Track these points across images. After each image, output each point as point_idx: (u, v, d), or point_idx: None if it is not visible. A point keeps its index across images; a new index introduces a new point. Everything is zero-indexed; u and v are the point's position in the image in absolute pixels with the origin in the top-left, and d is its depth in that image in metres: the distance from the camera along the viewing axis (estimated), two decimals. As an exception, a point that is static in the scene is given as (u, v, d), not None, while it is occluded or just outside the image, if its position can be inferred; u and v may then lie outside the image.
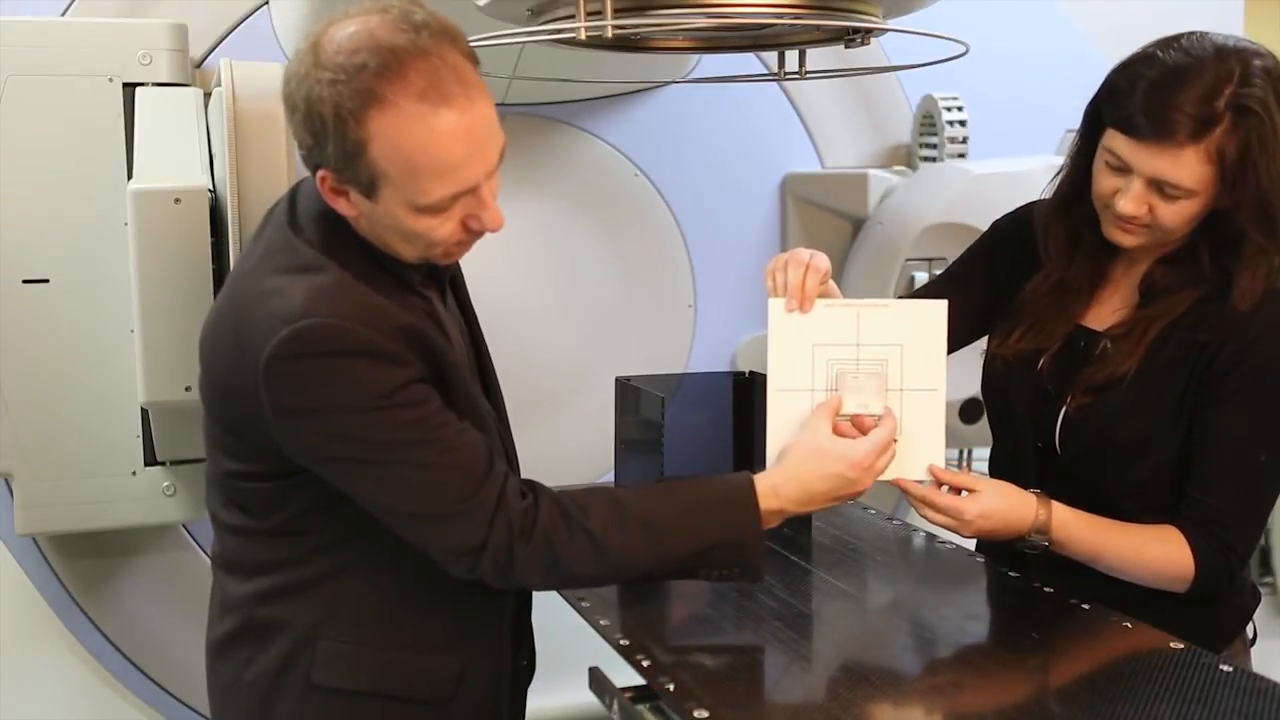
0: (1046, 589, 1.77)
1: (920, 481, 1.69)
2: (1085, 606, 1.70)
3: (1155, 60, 1.62)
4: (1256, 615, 1.86)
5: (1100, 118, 1.69)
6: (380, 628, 1.55)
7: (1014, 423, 1.86)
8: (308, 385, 1.41)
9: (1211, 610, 1.75)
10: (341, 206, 1.45)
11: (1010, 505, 1.67)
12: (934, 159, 3.08)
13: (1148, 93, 1.59)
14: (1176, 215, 1.63)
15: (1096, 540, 1.69)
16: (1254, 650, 1.86)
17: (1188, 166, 1.58)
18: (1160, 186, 1.61)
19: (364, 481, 1.46)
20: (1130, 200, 1.64)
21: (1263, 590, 4.46)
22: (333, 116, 1.36)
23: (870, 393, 1.67)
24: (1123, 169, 1.64)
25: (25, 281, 2.32)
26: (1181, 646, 1.57)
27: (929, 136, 3.12)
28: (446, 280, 1.65)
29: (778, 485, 1.56)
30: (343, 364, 1.40)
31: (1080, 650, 1.58)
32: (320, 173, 1.42)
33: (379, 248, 1.49)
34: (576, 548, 1.47)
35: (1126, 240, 1.70)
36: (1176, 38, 1.66)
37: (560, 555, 1.47)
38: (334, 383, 1.41)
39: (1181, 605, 1.70)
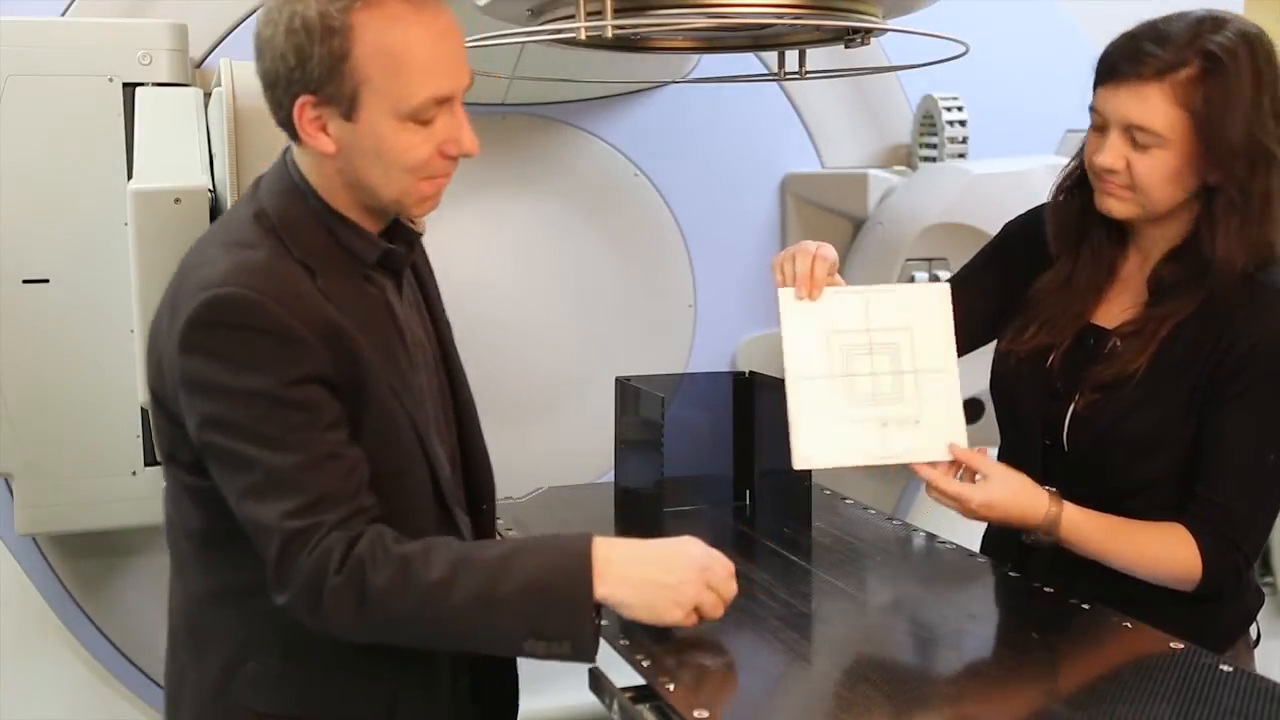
0: (1046, 589, 1.77)
1: (935, 464, 1.71)
2: (1085, 606, 1.70)
3: (1140, 23, 1.66)
4: (1259, 616, 1.86)
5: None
6: (307, 649, 1.48)
7: (1022, 420, 1.85)
8: (211, 357, 1.40)
9: (1215, 610, 1.74)
10: (321, 144, 1.44)
11: (1017, 498, 1.68)
12: (934, 159, 3.08)
13: (1123, 40, 1.64)
14: (1152, 170, 1.63)
15: (1105, 540, 1.69)
16: (1256, 651, 1.86)
17: (1154, 106, 1.59)
18: (1133, 135, 1.62)
19: (224, 467, 1.41)
20: (1107, 151, 1.65)
21: (1264, 590, 4.43)
22: (318, 23, 1.39)
23: (884, 375, 1.68)
24: (1103, 126, 1.66)
25: (25, 281, 2.32)
26: (1181, 646, 1.57)
27: (929, 136, 3.12)
28: (405, 267, 1.62)
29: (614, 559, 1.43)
30: (248, 339, 1.39)
31: (1080, 650, 1.58)
32: (300, 101, 1.42)
33: (343, 216, 1.49)
34: (387, 576, 1.37)
35: (1114, 207, 1.70)
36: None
37: (370, 586, 1.37)
38: (234, 359, 1.39)
39: (1184, 605, 1.70)
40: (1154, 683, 1.46)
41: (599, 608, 1.42)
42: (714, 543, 2.05)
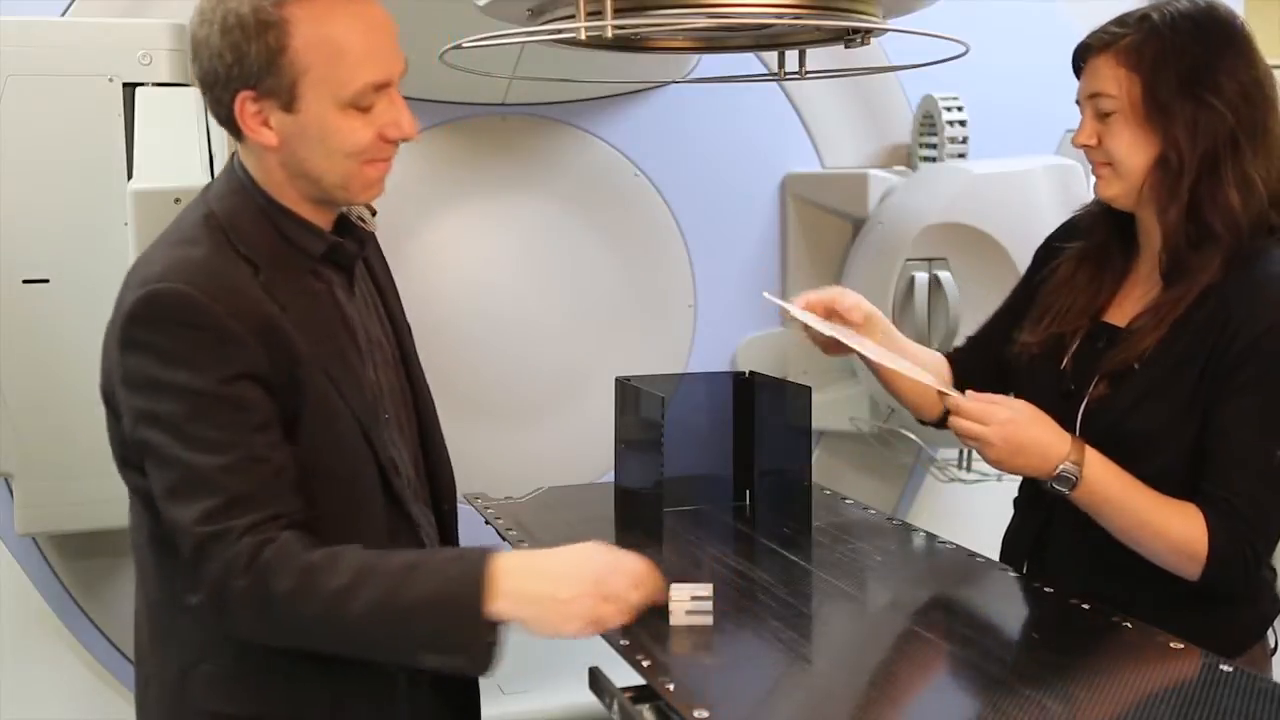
0: (1046, 589, 1.77)
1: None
2: (1085, 606, 1.70)
3: None
4: (1277, 623, 1.84)
5: None
6: (260, 649, 1.47)
7: None
8: (145, 352, 1.42)
9: (1230, 613, 1.74)
10: (263, 137, 1.47)
11: (1038, 422, 1.69)
12: (934, 159, 3.08)
13: (1093, 31, 1.76)
14: (1117, 137, 1.71)
15: (1122, 490, 1.68)
16: (1276, 659, 1.84)
17: (1105, 73, 1.71)
18: (1097, 106, 1.73)
19: (151, 464, 1.43)
20: (1080, 130, 1.76)
21: None
22: (253, 19, 1.42)
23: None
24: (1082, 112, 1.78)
25: (25, 282, 2.32)
26: (1181, 646, 1.57)
27: (929, 136, 3.12)
28: (354, 263, 1.63)
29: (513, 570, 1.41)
30: (181, 334, 1.41)
31: (1080, 650, 1.58)
32: (240, 97, 1.45)
33: (289, 211, 1.52)
34: (290, 583, 1.37)
35: (1101, 187, 1.77)
36: None
37: (273, 592, 1.37)
38: (167, 354, 1.41)
39: (1197, 610, 1.69)
40: (1154, 683, 1.46)
41: (496, 623, 1.39)
42: (714, 543, 2.07)
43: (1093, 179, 1.82)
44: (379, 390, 1.60)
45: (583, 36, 1.81)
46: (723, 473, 2.26)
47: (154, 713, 1.59)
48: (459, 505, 1.80)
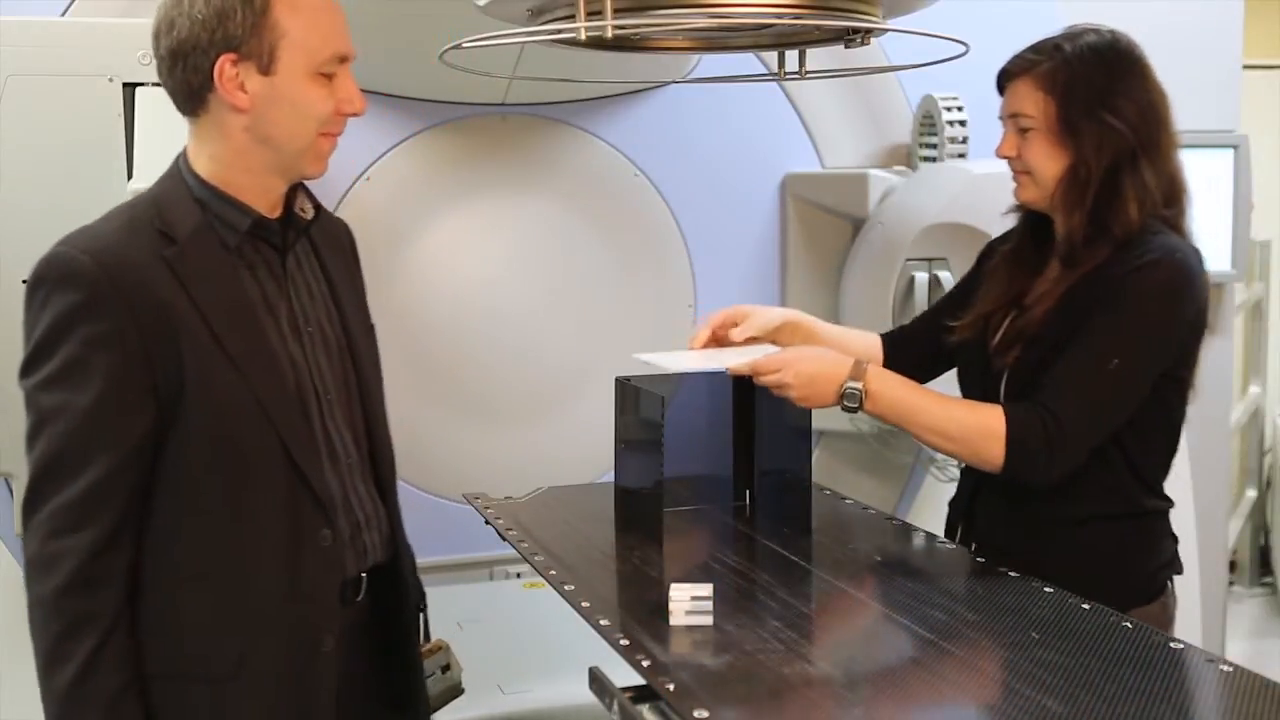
0: (1047, 588, 1.77)
1: None
2: (1085, 606, 1.70)
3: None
4: (1255, 615, 1.86)
5: None
6: (160, 613, 1.58)
7: (970, 390, 2.07)
8: (40, 309, 1.54)
9: (1136, 560, 1.92)
10: (237, 100, 1.58)
11: (819, 356, 1.95)
12: (934, 159, 3.08)
13: (1013, 56, 1.97)
14: (1034, 150, 1.93)
15: (909, 393, 1.91)
16: (1255, 651, 1.86)
17: (1025, 94, 1.93)
18: (1018, 123, 1.94)
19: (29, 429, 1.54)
20: (1002, 143, 1.99)
21: (1262, 590, 4.45)
22: None
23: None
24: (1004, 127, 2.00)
25: (25, 282, 2.31)
26: (1182, 646, 1.57)
27: (929, 136, 3.12)
28: (284, 243, 1.70)
29: None
30: (61, 297, 1.52)
31: (1080, 650, 1.58)
32: (221, 60, 1.57)
33: (219, 191, 1.62)
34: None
35: (1020, 192, 1.99)
36: None
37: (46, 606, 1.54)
38: (50, 311, 1.53)
39: (1100, 560, 1.90)
40: (1154, 682, 1.46)
41: None
42: (714, 543, 2.07)
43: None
44: (312, 370, 1.68)
45: (583, 36, 1.81)
46: (723, 473, 2.26)
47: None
48: (464, 504, 1.98)
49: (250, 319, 1.62)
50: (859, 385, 1.88)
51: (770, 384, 1.94)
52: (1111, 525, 1.92)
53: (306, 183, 1.72)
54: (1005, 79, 1.98)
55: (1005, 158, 1.99)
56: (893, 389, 1.91)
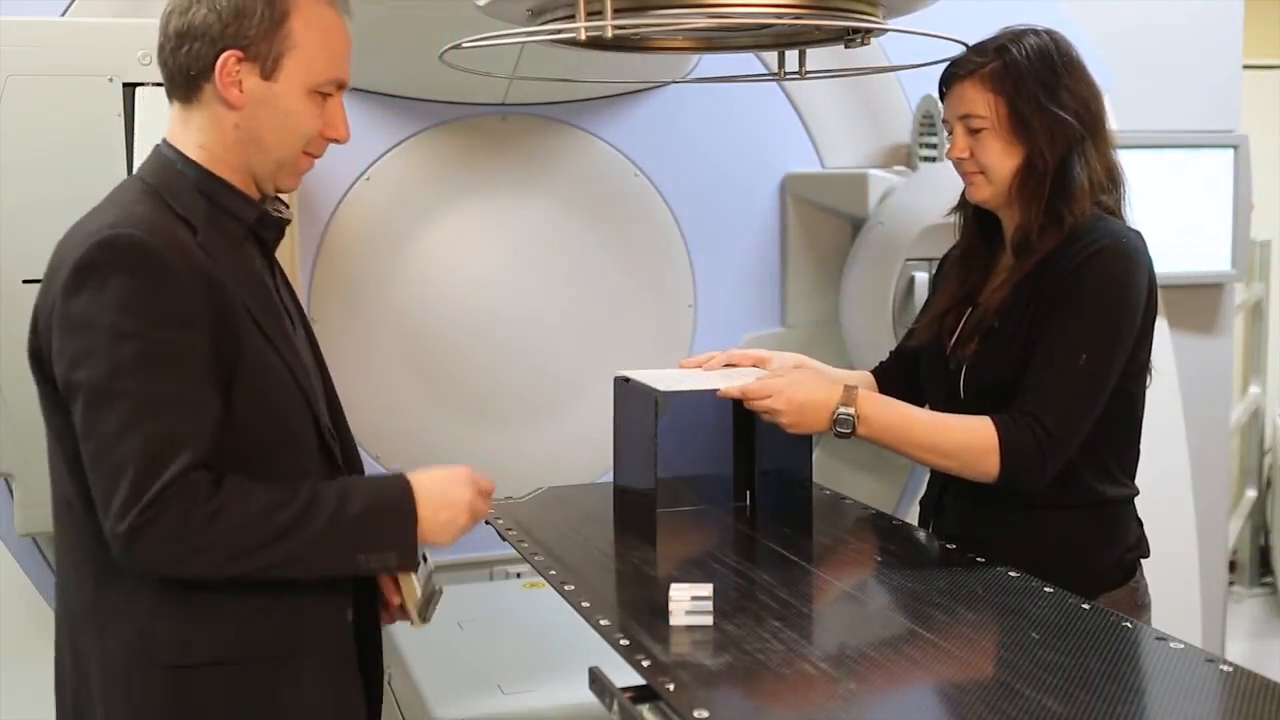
0: (1047, 588, 1.77)
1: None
2: (1086, 606, 1.70)
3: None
4: (1255, 615, 1.87)
5: None
6: (213, 596, 1.54)
7: (931, 388, 2.12)
8: (96, 293, 1.47)
9: (1084, 555, 1.97)
10: (232, 96, 1.58)
11: (810, 382, 1.97)
12: (934, 159, 3.08)
13: (954, 59, 2.01)
14: (987, 148, 1.97)
15: (902, 416, 1.94)
16: (1255, 651, 1.86)
17: (974, 96, 1.97)
18: (968, 124, 1.98)
19: (86, 404, 1.47)
20: (953, 145, 2.02)
21: (1262, 590, 4.44)
22: None
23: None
24: (951, 129, 2.02)
25: (25, 282, 2.31)
26: (1182, 646, 1.57)
27: (929, 136, 3.12)
28: (273, 240, 1.72)
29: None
30: (134, 278, 1.47)
31: (1080, 650, 1.58)
32: (227, 54, 1.56)
33: (222, 180, 1.61)
34: (241, 507, 1.48)
35: (973, 192, 2.02)
36: None
37: (229, 515, 1.47)
38: (118, 296, 1.47)
39: (1064, 548, 1.95)
40: (1154, 682, 1.47)
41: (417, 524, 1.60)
42: (714, 543, 2.07)
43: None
44: (305, 354, 1.71)
45: (583, 36, 1.81)
46: (723, 473, 2.25)
47: (99, 695, 1.58)
48: None
49: (274, 304, 1.65)
50: (851, 410, 1.91)
51: (760, 409, 1.97)
52: (1071, 514, 1.97)
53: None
54: (950, 83, 2.02)
55: (957, 159, 2.02)
56: (884, 412, 1.93)
